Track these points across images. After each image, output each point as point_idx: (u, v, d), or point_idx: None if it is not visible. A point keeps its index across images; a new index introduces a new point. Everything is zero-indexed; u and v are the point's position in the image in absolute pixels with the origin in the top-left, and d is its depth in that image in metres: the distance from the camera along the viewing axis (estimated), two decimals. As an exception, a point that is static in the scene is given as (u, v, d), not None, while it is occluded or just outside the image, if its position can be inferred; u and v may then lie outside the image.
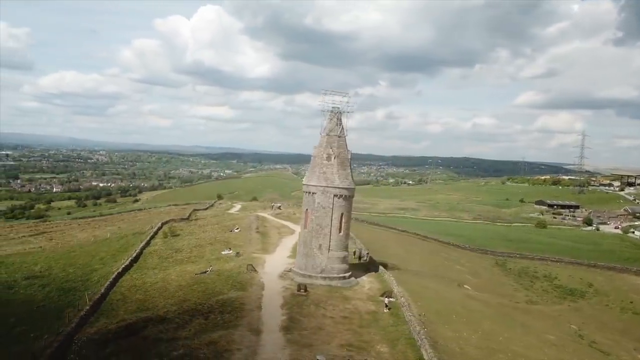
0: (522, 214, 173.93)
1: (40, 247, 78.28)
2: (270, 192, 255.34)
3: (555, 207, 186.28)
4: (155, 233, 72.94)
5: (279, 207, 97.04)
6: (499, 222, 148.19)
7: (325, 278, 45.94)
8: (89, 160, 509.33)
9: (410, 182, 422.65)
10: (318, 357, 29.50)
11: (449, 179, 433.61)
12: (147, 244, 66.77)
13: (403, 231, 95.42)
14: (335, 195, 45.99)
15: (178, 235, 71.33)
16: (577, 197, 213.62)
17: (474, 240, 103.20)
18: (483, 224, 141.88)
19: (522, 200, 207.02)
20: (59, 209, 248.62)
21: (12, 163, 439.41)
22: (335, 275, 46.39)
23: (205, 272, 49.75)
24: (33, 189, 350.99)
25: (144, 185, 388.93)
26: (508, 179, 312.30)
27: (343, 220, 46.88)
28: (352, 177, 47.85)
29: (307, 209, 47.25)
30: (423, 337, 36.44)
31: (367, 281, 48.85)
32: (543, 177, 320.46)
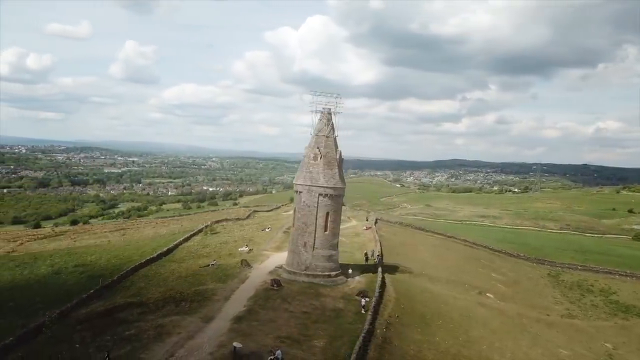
0: (625, 225, 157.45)
1: (109, 240, 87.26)
2: (359, 198, 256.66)
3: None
4: (200, 231, 78.08)
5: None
6: (589, 233, 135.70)
7: (308, 275, 46.84)
8: (202, 167, 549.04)
9: (516, 190, 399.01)
10: (235, 344, 30.83)
11: (560, 187, 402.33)
12: (187, 240, 71.97)
13: (450, 237, 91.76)
14: (320, 195, 46.72)
15: (217, 233, 75.96)
16: None
17: (540, 250, 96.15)
18: (567, 234, 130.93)
19: (630, 211, 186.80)
20: (168, 210, 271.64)
21: (137, 168, 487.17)
22: (319, 273, 47.04)
23: (208, 265, 53.02)
24: (151, 192, 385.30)
25: (249, 189, 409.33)
26: (624, 188, 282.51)
27: (329, 219, 47.43)
28: (340, 176, 48.22)
29: (295, 208, 48.52)
30: (373, 336, 36.22)
31: (356, 281, 48.82)
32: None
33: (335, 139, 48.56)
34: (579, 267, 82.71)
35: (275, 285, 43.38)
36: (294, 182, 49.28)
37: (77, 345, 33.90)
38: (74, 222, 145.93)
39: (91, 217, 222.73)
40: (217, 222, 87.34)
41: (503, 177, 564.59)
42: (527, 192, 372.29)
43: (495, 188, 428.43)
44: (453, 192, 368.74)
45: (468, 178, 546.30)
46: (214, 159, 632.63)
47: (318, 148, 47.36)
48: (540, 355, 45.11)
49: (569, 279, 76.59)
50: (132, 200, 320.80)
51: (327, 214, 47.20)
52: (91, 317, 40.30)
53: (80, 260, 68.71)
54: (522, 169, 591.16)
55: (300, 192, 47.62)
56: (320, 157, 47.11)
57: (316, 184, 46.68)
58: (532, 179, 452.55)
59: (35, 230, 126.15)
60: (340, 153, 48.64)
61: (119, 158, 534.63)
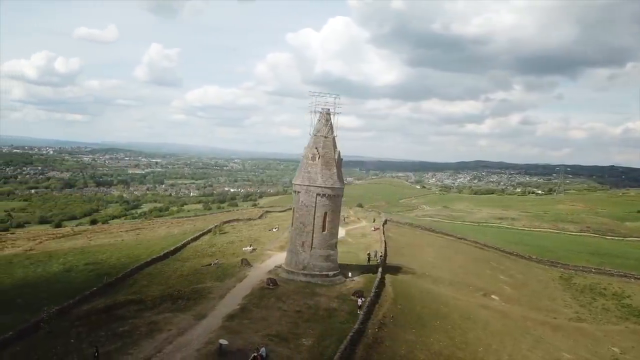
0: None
1: (123, 240, 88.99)
2: (378, 199, 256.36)
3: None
4: (209, 231, 79.04)
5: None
6: (609, 236, 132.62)
7: (306, 275, 47.07)
8: (224, 168, 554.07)
9: (540, 191, 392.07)
10: (220, 341, 31.24)
11: (586, 189, 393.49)
12: (195, 239, 72.98)
13: (460, 238, 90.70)
14: (318, 194, 46.91)
15: (225, 233, 76.79)
16: None
17: (554, 252, 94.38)
18: (586, 237, 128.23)
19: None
20: (188, 211, 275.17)
21: (160, 170, 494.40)
22: (317, 272, 47.21)
23: (210, 264, 53.72)
24: (173, 193, 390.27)
25: (269, 191, 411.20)
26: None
27: (327, 219, 47.57)
28: (339, 176, 48.31)
29: (293, 208, 48.82)
30: (364, 336, 36.23)
31: (355, 281, 48.82)
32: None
33: (334, 139, 48.69)
34: (593, 270, 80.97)
35: (271, 284, 43.74)
36: (292, 182, 49.59)
37: (72, 341, 34.78)
38: (93, 222, 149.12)
39: (114, 217, 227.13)
40: (227, 222, 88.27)
41: (527, 178, 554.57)
42: (550, 194, 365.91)
43: (518, 190, 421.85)
44: (475, 193, 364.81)
45: (491, 180, 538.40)
46: (236, 160, 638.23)
47: (316, 148, 47.58)
48: (540, 358, 44.41)
49: (581, 282, 75.08)
50: (155, 201, 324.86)
51: (325, 214, 47.36)
52: (90, 314, 41.26)
53: (92, 258, 70.25)
54: (546, 171, 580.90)
55: (298, 192, 47.93)
56: (319, 158, 47.31)
57: (314, 184, 46.89)
58: (556, 181, 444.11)
59: (56, 229, 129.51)
60: (339, 153, 48.72)
61: (143, 159, 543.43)
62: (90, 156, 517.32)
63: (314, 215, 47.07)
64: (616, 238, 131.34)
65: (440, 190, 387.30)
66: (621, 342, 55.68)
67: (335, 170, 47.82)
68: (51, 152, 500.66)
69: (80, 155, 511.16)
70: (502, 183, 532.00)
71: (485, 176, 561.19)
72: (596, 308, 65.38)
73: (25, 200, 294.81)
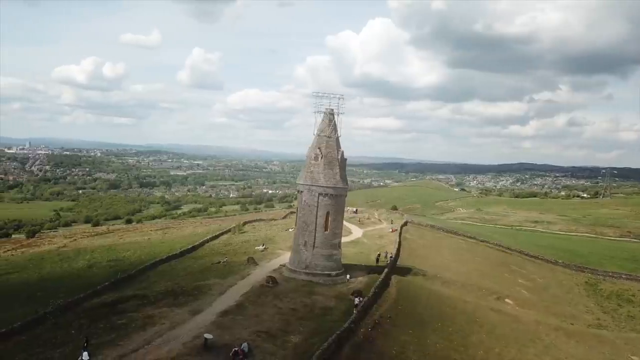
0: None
1: (149, 238, 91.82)
2: (414, 201, 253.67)
3: None
4: (228, 230, 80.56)
5: (355, 212, 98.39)
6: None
7: (308, 274, 47.39)
8: (263, 170, 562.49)
9: (585, 195, 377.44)
10: (205, 335, 32.01)
11: (635, 193, 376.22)
12: (215, 238, 74.62)
13: (483, 241, 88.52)
14: (320, 194, 47.18)
15: (244, 232, 78.04)
16: None
17: (584, 257, 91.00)
18: (625, 242, 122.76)
19: None
20: (226, 212, 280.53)
21: (201, 171, 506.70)
22: (319, 272, 47.46)
23: (219, 262, 54.83)
24: (213, 194, 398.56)
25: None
26: None
27: (330, 219, 47.75)
28: (342, 176, 48.40)
29: (297, 208, 49.26)
30: (355, 335, 36.20)
31: (357, 281, 48.77)
32: None
33: (337, 139, 48.86)
34: (624, 276, 77.66)
35: (270, 282, 44.32)
36: (296, 181, 50.04)
37: (73, 332, 36.39)
38: (128, 222, 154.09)
39: (154, 217, 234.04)
40: (249, 222, 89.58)
41: (574, 181, 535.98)
42: (596, 197, 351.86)
43: (562, 193, 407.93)
44: (516, 196, 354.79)
45: (535, 183, 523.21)
46: (275, 162, 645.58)
47: (319, 148, 47.87)
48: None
49: (608, 288, 72.18)
50: (195, 202, 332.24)
51: (328, 213, 47.55)
52: (97, 307, 42.99)
53: (115, 255, 72.95)
54: (593, 174, 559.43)
55: (301, 191, 48.36)
56: (321, 157, 47.58)
57: (316, 183, 47.20)
58: (602, 184, 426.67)
59: (93, 228, 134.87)
60: (342, 153, 48.84)
61: (185, 161, 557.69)
62: (135, 158, 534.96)
63: (316, 214, 47.34)
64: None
65: (480, 193, 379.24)
66: (642, 350, 53.26)
67: (338, 170, 47.95)
68: (98, 154, 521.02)
69: (125, 157, 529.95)
70: (546, 186, 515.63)
71: (529, 179, 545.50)
72: (620, 315, 62.79)
73: (73, 200, 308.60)
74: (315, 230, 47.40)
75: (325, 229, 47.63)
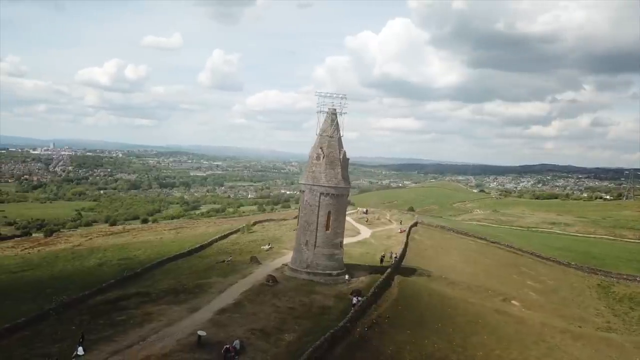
0: None
1: (161, 238, 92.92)
2: (431, 202, 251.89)
3: None
4: (238, 230, 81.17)
5: (365, 212, 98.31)
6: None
7: (309, 273, 47.53)
8: (282, 171, 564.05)
9: (608, 197, 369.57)
10: (199, 332, 32.40)
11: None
12: (223, 237, 75.30)
13: (494, 243, 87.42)
14: (321, 194, 47.30)
15: (253, 232, 78.53)
16: None
17: (599, 259, 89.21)
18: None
19: None
20: (243, 212, 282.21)
21: (220, 172, 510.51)
22: (320, 271, 47.56)
23: (224, 261, 55.35)
24: (232, 195, 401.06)
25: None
26: None
27: (331, 218, 47.83)
28: (344, 176, 48.42)
29: (299, 207, 49.46)
30: (350, 334, 36.21)
31: (359, 281, 48.72)
32: None
33: (339, 139, 48.94)
34: (638, 279, 75.85)
35: (270, 281, 44.58)
36: (299, 181, 50.22)
37: (73, 328, 37.16)
38: (144, 221, 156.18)
39: (173, 217, 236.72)
40: (259, 221, 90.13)
41: (597, 183, 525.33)
42: (619, 199, 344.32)
43: (585, 195, 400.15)
44: (536, 198, 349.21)
45: (557, 184, 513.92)
46: (293, 163, 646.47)
47: (321, 148, 48.01)
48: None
49: (621, 291, 70.66)
50: (214, 202, 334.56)
51: (329, 213, 47.63)
52: (100, 304, 43.80)
53: (126, 254, 74.00)
54: (617, 175, 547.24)
55: (303, 191, 48.57)
56: (323, 157, 47.70)
57: (318, 183, 47.34)
58: (625, 185, 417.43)
59: (110, 227, 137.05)
60: (345, 153, 48.88)
61: (204, 162, 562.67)
62: (156, 159, 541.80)
63: (318, 214, 47.47)
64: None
65: (500, 195, 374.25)
66: (654, 355, 52.05)
67: (339, 170, 47.99)
68: (120, 155, 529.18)
69: (146, 158, 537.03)
70: (568, 187, 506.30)
71: (551, 180, 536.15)
72: (632, 318, 61.43)
73: (94, 200, 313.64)
74: (317, 229, 47.54)
75: (327, 229, 47.72)
